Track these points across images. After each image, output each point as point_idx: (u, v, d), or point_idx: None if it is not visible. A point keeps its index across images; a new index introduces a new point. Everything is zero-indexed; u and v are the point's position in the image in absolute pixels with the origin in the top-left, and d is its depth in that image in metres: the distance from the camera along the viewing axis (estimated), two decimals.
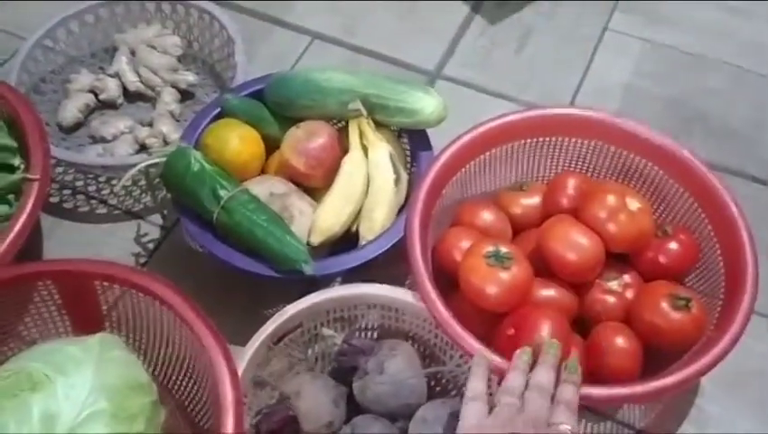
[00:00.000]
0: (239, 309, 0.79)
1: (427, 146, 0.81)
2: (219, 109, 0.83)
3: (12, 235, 0.70)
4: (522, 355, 0.61)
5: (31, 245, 0.80)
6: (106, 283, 0.68)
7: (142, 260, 0.84)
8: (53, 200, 0.89)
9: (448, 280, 0.74)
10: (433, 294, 0.68)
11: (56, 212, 0.88)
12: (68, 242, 0.86)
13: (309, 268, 0.70)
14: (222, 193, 0.72)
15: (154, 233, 0.87)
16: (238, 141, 0.79)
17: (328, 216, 0.75)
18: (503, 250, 0.70)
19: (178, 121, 0.95)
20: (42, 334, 0.72)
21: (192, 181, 0.73)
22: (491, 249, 0.70)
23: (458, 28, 1.09)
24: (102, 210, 0.89)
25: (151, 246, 0.86)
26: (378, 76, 0.81)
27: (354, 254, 0.74)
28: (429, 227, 0.76)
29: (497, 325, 0.71)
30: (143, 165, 0.73)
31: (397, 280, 0.75)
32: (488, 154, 0.81)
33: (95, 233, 0.87)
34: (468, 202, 0.81)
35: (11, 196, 0.78)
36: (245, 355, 0.67)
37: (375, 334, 0.76)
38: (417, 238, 0.72)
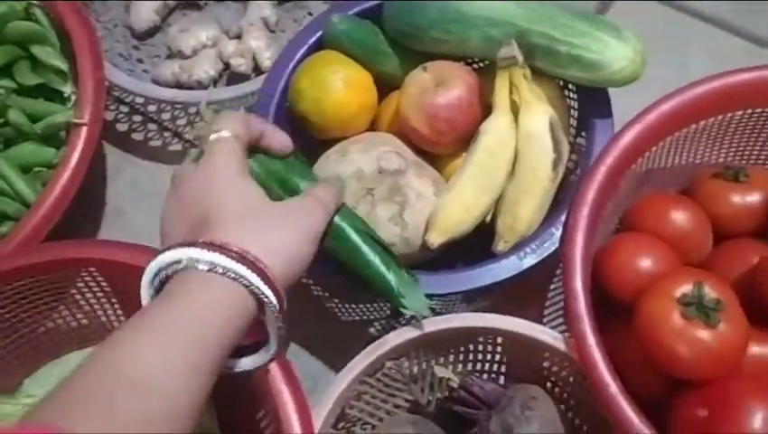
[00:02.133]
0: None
1: (606, 113, 0.57)
2: (320, 33, 0.62)
3: (50, 199, 0.55)
4: None
5: (90, 189, 0.65)
6: None
7: None
8: (121, 128, 0.73)
9: (608, 303, 0.54)
10: (597, 353, 0.48)
11: (125, 143, 0.72)
12: (135, 187, 0.70)
13: (423, 311, 0.51)
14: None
15: None
16: (343, 87, 0.58)
17: (456, 209, 0.54)
18: (710, 294, 0.48)
19: (273, 32, 0.74)
20: (89, 320, 0.59)
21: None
22: (690, 290, 0.48)
23: None
24: (176, 146, 0.72)
25: None
26: (545, 4, 0.55)
27: (486, 269, 0.53)
28: (595, 234, 0.54)
29: (680, 393, 0.50)
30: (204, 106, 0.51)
31: (525, 295, 0.56)
32: (692, 127, 0.57)
33: (168, 176, 0.70)
34: (651, 197, 0.58)
35: (62, 133, 0.62)
36: (333, 392, 0.51)
37: (503, 368, 0.58)
38: (579, 261, 0.50)
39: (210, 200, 0.40)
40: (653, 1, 0.74)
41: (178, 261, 0.37)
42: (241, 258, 0.37)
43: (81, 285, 0.55)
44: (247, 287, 0.37)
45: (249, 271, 0.37)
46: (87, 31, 0.60)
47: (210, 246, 0.37)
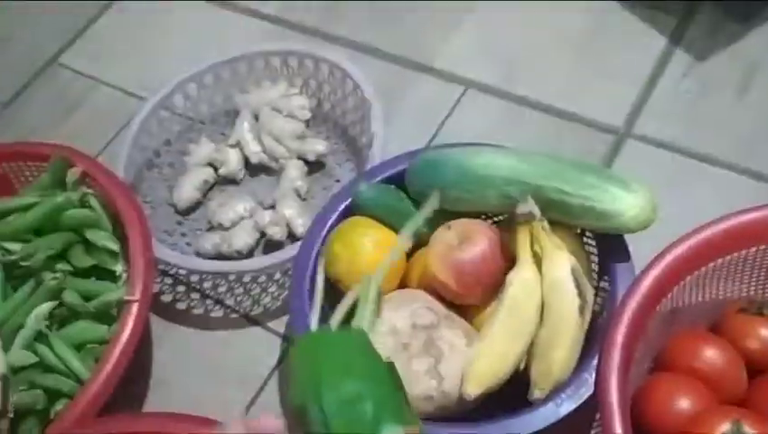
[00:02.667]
0: None
1: (624, 256, 0.60)
2: (348, 201, 0.67)
3: (102, 376, 0.58)
4: None
5: (138, 360, 0.68)
6: None
7: (257, 383, 0.70)
8: (165, 299, 0.77)
9: None
10: None
11: (168, 313, 0.76)
12: (181, 354, 0.73)
13: None
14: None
15: (275, 344, 0.73)
16: (372, 249, 0.62)
17: (490, 359, 0.56)
18: (747, 431, 0.48)
19: (304, 200, 0.80)
20: None
21: None
22: (729, 430, 0.48)
23: (653, 69, 0.85)
24: (218, 312, 0.76)
25: (272, 361, 0.71)
26: (556, 161, 0.60)
27: (524, 418, 0.54)
28: (629, 377, 0.55)
29: None
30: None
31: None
32: (710, 266, 0.59)
33: (210, 343, 0.74)
34: (680, 336, 0.59)
35: (114, 311, 0.66)
36: None
37: None
38: (617, 405, 0.51)
39: None
40: (660, 149, 0.79)
41: None
42: None
43: None
44: None
45: None
46: (137, 214, 0.66)
47: None
